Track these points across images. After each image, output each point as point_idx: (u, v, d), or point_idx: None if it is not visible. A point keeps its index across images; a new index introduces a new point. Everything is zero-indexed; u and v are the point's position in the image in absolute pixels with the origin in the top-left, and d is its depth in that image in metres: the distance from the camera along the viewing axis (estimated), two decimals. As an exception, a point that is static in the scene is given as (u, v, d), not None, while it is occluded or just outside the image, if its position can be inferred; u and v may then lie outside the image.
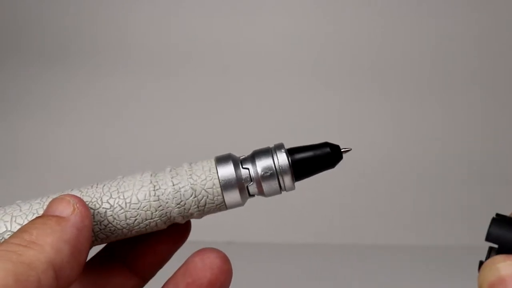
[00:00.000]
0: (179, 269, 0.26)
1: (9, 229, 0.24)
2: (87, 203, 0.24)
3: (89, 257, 0.28)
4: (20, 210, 0.25)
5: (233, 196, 0.25)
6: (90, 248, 0.25)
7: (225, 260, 0.25)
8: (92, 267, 0.28)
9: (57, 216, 0.23)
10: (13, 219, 0.24)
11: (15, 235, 0.22)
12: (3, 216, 0.24)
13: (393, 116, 0.82)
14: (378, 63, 0.83)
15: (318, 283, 0.65)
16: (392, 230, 0.75)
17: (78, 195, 0.25)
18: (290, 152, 0.26)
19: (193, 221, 0.27)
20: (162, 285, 0.26)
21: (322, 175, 0.26)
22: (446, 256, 0.70)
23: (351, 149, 0.27)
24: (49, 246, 0.21)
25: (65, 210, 0.23)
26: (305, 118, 0.81)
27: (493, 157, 0.79)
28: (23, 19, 0.86)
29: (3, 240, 0.24)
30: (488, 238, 0.23)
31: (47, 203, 0.24)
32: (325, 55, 0.84)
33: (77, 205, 0.23)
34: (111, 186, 0.25)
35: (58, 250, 0.21)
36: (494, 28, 0.82)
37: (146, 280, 0.28)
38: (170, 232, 0.28)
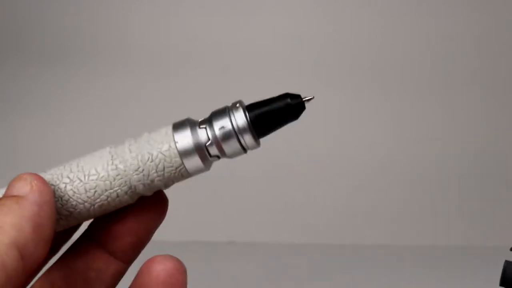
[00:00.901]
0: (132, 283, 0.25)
1: None
2: (48, 180, 0.24)
3: (66, 245, 0.28)
4: None
5: (192, 158, 0.25)
6: (58, 229, 0.25)
7: (178, 266, 0.24)
8: (70, 254, 0.27)
9: (15, 196, 0.22)
10: None
11: None
12: None
13: (393, 116, 0.82)
14: (378, 63, 0.83)
15: (318, 283, 0.64)
16: (392, 230, 0.75)
17: (42, 175, 0.25)
18: (249, 108, 0.25)
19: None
20: None
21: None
22: (446, 256, 0.70)
23: (313, 97, 0.26)
24: (9, 226, 0.21)
25: (22, 188, 0.23)
26: (305, 118, 0.81)
27: (493, 157, 0.79)
28: (23, 19, 0.86)
29: None
30: (503, 283, 0.23)
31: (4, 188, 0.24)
32: (325, 55, 0.84)
33: (34, 181, 0.23)
34: (72, 162, 0.25)
35: (19, 228, 0.21)
36: (494, 28, 0.82)
37: (128, 262, 0.28)
38: (145, 210, 0.27)
